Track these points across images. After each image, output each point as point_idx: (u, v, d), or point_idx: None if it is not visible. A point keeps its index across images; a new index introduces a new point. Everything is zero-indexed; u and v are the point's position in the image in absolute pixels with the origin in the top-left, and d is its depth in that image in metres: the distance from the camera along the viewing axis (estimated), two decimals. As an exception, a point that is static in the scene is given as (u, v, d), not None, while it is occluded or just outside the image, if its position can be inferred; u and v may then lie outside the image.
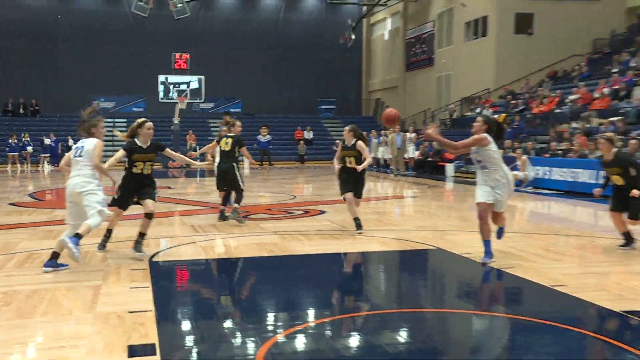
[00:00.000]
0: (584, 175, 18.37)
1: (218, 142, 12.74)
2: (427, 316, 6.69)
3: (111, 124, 40.60)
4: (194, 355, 5.44)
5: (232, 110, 42.25)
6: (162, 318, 6.23)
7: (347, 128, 11.52)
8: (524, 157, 21.52)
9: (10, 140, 34.68)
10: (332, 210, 14.79)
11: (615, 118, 22.16)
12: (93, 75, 41.90)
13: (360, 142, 11.22)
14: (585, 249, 10.38)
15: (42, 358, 5.27)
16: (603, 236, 11.04)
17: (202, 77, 38.60)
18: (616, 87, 25.74)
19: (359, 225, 11.28)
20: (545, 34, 33.89)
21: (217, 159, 14.57)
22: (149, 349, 5.33)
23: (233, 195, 12.64)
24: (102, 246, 9.52)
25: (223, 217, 12.65)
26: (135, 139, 9.22)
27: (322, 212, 14.53)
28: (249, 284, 8.23)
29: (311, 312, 6.73)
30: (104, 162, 8.62)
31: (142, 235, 9.09)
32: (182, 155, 11.14)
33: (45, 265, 8.10)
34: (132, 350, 5.30)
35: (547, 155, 22.12)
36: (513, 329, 6.32)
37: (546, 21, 33.96)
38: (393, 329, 6.15)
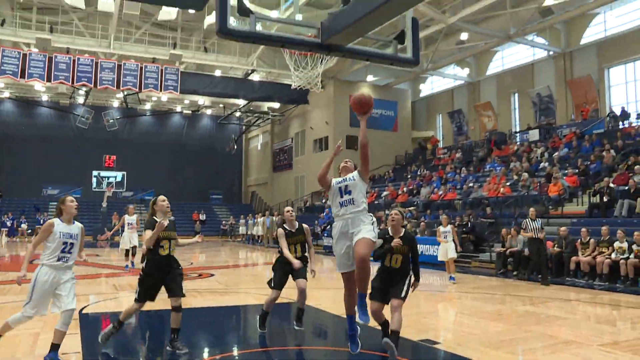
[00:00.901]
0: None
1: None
2: (289, 352, 6.46)
3: (55, 206, 38.68)
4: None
5: (146, 197, 41.44)
6: (88, 359, 5.74)
7: (290, 208, 7.43)
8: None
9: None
10: (219, 273, 14.37)
11: (411, 207, 22.99)
12: (44, 169, 39.96)
13: (305, 226, 7.39)
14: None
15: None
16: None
17: (125, 172, 37.95)
18: (410, 187, 26.89)
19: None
20: (366, 149, 35.09)
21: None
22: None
23: None
24: (107, 337, 6.23)
25: None
26: (154, 217, 6.20)
27: (212, 275, 14.07)
28: (159, 331, 7.70)
29: (205, 352, 6.33)
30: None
31: (175, 331, 6.10)
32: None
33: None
34: (65, 388, 4.81)
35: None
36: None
37: (366, 140, 35.19)
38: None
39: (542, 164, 22.04)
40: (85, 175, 39.11)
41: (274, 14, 22.63)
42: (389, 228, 6.16)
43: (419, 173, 29.92)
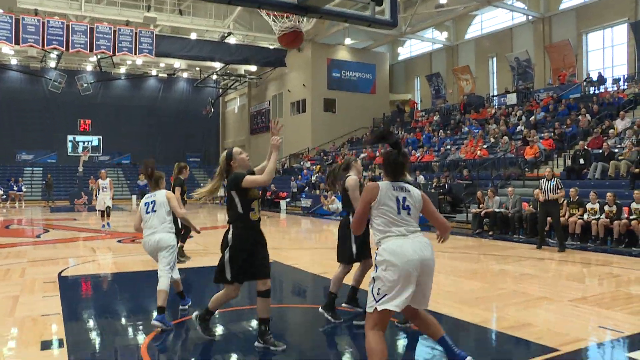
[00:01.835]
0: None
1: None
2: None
3: (30, 172, 38.23)
4: (95, 346, 5.04)
5: (122, 161, 41.02)
6: (68, 319, 5.79)
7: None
8: (333, 195, 22.01)
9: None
10: (197, 235, 14.36)
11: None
12: (17, 135, 39.23)
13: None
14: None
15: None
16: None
17: (101, 136, 37.32)
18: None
19: None
20: (343, 113, 35.17)
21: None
22: (58, 343, 4.96)
23: None
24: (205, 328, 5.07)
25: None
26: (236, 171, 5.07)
27: (190, 237, 14.05)
28: (137, 291, 7.73)
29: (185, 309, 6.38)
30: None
31: (264, 321, 4.80)
32: None
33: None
34: (45, 345, 4.91)
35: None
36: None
37: (344, 104, 35.25)
38: (246, 320, 5.96)
39: (519, 127, 22.26)
40: (60, 140, 38.59)
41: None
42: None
43: (396, 135, 29.97)
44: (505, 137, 20.82)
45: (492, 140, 21.76)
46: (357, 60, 35.98)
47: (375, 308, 3.52)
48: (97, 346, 5.05)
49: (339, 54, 35.52)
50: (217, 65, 37.44)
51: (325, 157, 31.87)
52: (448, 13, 29.96)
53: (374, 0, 5.84)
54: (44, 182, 33.85)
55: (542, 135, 19.48)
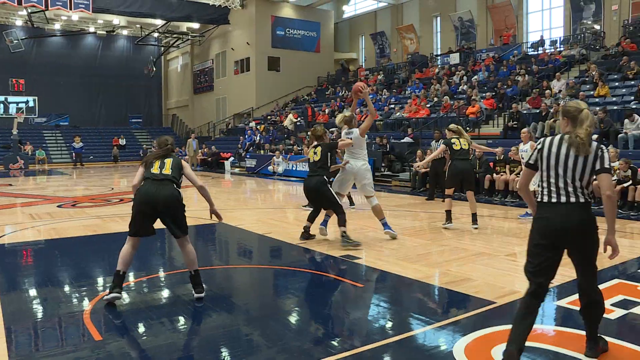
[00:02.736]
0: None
1: None
2: (215, 271, 6.56)
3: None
4: (34, 315, 4.91)
5: (60, 123, 39.40)
6: (5, 289, 5.61)
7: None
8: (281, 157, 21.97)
9: None
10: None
11: (333, 129, 23.11)
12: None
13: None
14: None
15: None
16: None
17: (36, 97, 35.51)
18: (333, 108, 26.96)
19: None
20: (288, 72, 34.81)
21: None
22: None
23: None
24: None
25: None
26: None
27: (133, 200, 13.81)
28: (79, 257, 7.55)
29: (131, 274, 6.26)
30: None
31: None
32: None
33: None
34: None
35: (292, 153, 22.65)
36: (275, 275, 6.39)
37: (288, 63, 34.86)
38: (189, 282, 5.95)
39: (461, 87, 22.62)
40: (-10, 100, 36.63)
41: None
42: None
43: (340, 94, 30.01)
44: (447, 97, 21.14)
45: (435, 99, 22.06)
46: (301, 18, 35.49)
47: None
48: (36, 315, 4.91)
49: (284, 11, 34.94)
50: (159, 22, 36.19)
51: (269, 117, 31.63)
52: (393, -29, 29.81)
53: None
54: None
55: (484, 95, 19.87)
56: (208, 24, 36.49)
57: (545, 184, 3.49)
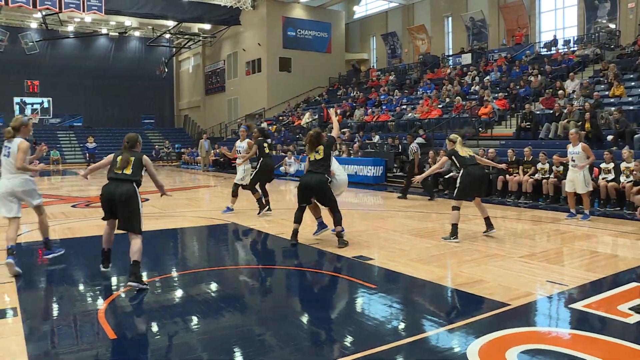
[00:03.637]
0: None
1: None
2: (227, 271, 6.58)
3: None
4: (51, 313, 4.97)
5: (74, 124, 39.72)
6: (22, 287, 5.66)
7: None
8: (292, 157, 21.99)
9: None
10: (153, 198, 14.17)
11: (345, 129, 23.12)
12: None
13: None
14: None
15: None
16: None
17: (51, 98, 35.83)
18: (345, 109, 26.94)
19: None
20: (299, 72, 34.87)
21: None
22: (12, 312, 4.82)
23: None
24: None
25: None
26: None
27: (146, 200, 13.87)
28: (94, 256, 7.57)
29: (144, 274, 6.29)
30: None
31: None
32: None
33: None
34: None
35: (304, 154, 22.59)
36: (287, 276, 6.40)
37: (299, 64, 34.91)
38: (205, 282, 5.97)
39: (473, 88, 22.52)
40: (5, 101, 36.80)
41: None
42: None
43: (352, 95, 29.99)
44: (459, 98, 21.06)
45: (447, 100, 21.98)
46: (312, 19, 35.52)
47: None
48: (52, 313, 4.98)
49: (294, 12, 34.98)
50: (170, 23, 36.36)
51: (281, 118, 31.66)
52: (404, -29, 29.75)
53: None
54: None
55: (497, 95, 19.76)
56: (219, 25, 36.62)
57: None
